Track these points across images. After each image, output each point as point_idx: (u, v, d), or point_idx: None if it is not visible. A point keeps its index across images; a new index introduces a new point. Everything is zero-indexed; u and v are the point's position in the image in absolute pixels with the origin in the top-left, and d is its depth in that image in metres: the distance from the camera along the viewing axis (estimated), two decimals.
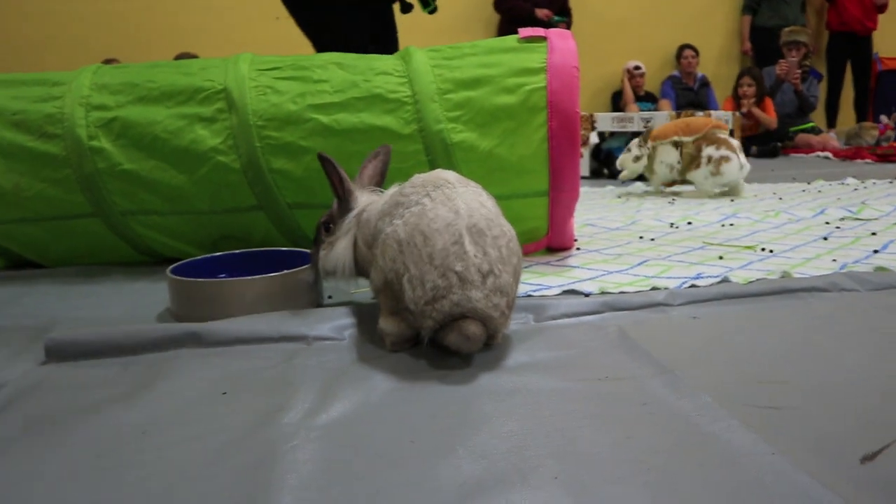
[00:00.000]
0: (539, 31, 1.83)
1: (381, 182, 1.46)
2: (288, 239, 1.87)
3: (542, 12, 6.45)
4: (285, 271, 1.42)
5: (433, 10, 2.80)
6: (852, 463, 0.80)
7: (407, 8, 2.77)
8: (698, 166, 3.23)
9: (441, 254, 1.08)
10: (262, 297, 1.38)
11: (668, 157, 3.33)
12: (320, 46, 2.77)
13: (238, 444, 0.88)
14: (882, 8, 7.30)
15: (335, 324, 1.31)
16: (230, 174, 1.75)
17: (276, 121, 1.73)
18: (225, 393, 1.05)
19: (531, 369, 1.10)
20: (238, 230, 1.85)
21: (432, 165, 1.71)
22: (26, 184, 1.79)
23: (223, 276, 1.57)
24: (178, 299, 1.44)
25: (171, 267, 1.48)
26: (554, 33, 1.82)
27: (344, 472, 0.80)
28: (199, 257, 1.62)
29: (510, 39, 1.85)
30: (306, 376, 1.09)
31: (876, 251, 1.89)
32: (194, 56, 5.82)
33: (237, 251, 1.66)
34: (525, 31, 1.84)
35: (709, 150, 3.21)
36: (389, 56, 1.88)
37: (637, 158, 3.46)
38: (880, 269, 1.68)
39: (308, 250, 1.55)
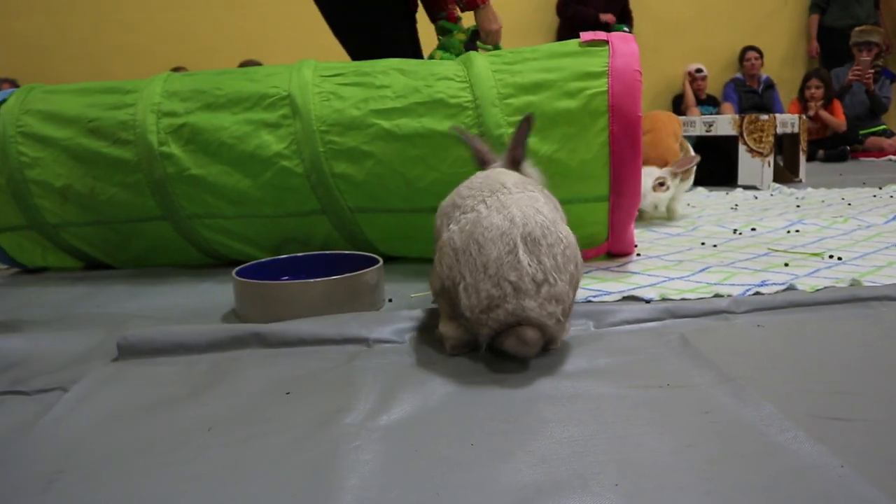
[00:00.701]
0: (601, 35, 1.82)
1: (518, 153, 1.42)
2: (349, 242, 1.90)
3: (606, 17, 6.39)
4: (347, 274, 1.45)
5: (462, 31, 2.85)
6: None
7: (445, 32, 2.79)
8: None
9: (495, 263, 1.08)
10: (323, 300, 1.40)
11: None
12: (359, 52, 2.74)
13: (301, 443, 0.90)
14: None
15: (395, 327, 1.32)
16: (293, 178, 1.79)
17: (339, 126, 1.76)
18: (288, 393, 1.07)
19: (591, 375, 1.10)
20: (300, 233, 1.88)
21: None
22: (101, 188, 1.87)
23: (286, 278, 1.60)
24: (242, 300, 1.47)
25: (236, 269, 1.53)
26: (616, 37, 1.81)
27: (404, 473, 0.82)
28: (263, 259, 1.66)
29: (572, 43, 1.84)
30: (367, 378, 1.11)
31: None
32: (259, 63, 5.95)
33: (300, 254, 1.69)
34: (587, 35, 1.83)
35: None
36: (451, 62, 1.90)
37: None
38: None
39: (369, 253, 1.58)
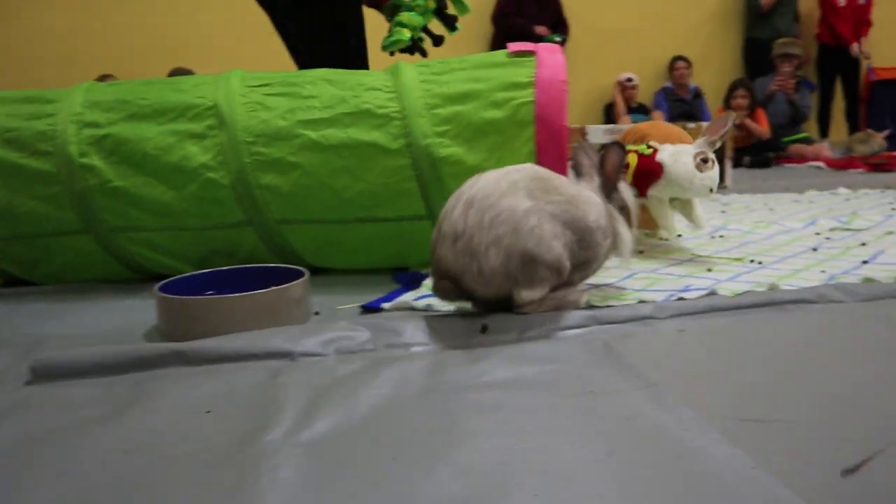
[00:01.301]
0: (528, 46, 1.84)
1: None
2: (275, 254, 1.87)
3: (540, 29, 6.48)
4: (272, 288, 1.42)
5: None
6: (834, 476, 0.80)
7: (439, 41, 2.71)
8: None
9: (440, 214, 1.35)
10: (248, 314, 1.38)
11: None
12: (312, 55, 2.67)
13: (220, 463, 0.88)
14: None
15: (321, 339, 1.30)
16: (219, 190, 1.75)
17: (265, 136, 1.74)
18: (209, 411, 1.05)
19: (516, 385, 1.10)
20: (226, 246, 1.85)
21: (419, 180, 1.72)
22: (18, 201, 1.79)
23: (211, 292, 1.57)
24: (165, 317, 1.44)
25: (159, 284, 1.49)
26: (542, 48, 1.84)
27: (325, 489, 0.80)
28: (187, 274, 1.62)
29: (499, 54, 1.86)
30: (290, 393, 1.09)
31: (865, 262, 1.89)
32: (189, 71, 5.84)
33: (225, 267, 1.66)
34: (514, 46, 1.85)
35: None
36: (379, 72, 1.90)
37: None
38: (868, 279, 1.68)
39: (297, 266, 1.57)
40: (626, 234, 1.53)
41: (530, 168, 1.41)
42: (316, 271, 1.90)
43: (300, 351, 1.27)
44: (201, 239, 1.83)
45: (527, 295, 1.35)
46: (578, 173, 1.56)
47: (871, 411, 0.98)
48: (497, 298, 1.38)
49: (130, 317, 1.61)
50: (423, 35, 2.37)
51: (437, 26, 2.41)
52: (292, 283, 1.46)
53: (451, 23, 2.41)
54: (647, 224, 2.30)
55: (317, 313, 1.56)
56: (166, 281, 1.52)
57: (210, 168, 1.74)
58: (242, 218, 1.79)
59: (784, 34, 7.23)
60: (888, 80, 7.89)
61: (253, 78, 1.85)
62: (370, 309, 1.57)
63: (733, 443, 0.88)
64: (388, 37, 2.26)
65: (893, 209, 2.90)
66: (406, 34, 2.24)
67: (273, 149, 1.73)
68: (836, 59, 7.50)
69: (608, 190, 1.53)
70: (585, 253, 1.43)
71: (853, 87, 7.58)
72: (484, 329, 1.35)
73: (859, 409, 0.98)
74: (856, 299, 1.54)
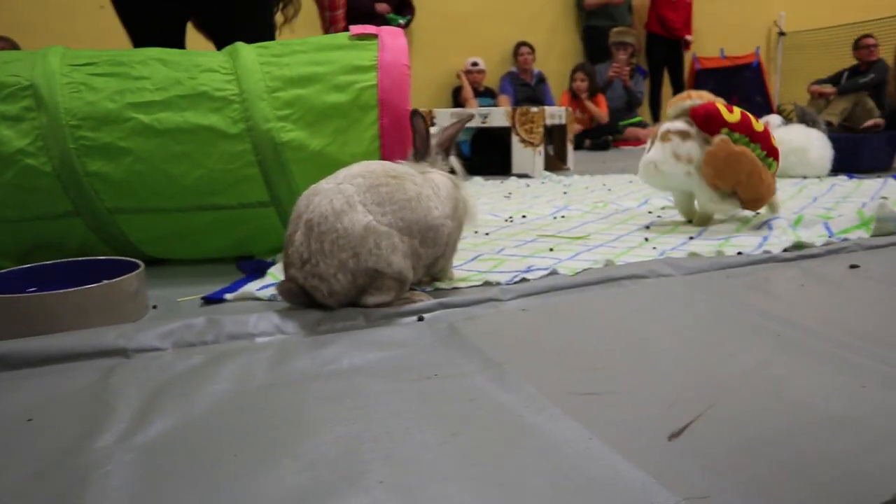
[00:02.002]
0: (370, 29, 1.82)
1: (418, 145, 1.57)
2: (109, 246, 1.75)
3: (380, 7, 6.44)
4: (103, 282, 1.34)
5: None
6: (661, 441, 0.86)
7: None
8: None
9: (287, 238, 1.35)
10: (76, 312, 1.28)
11: None
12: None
13: (43, 476, 0.81)
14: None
15: (157, 332, 1.24)
16: (41, 178, 1.62)
17: (91, 120, 1.62)
18: (31, 420, 0.97)
19: (361, 371, 1.10)
20: (52, 238, 1.71)
21: (262, 166, 1.66)
22: None
23: (33, 289, 1.45)
24: None
25: None
26: (385, 31, 1.82)
27: (160, 494, 0.76)
28: (7, 270, 1.49)
29: (341, 37, 1.83)
30: (124, 393, 1.03)
31: (692, 237, 2.03)
32: (14, 43, 5.36)
33: (51, 262, 1.53)
34: (356, 29, 1.83)
35: None
36: (216, 52, 1.81)
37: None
38: (693, 254, 1.81)
39: (132, 258, 1.48)
40: (472, 200, 1.57)
41: (366, 170, 1.39)
42: (153, 262, 1.81)
43: (135, 347, 1.20)
44: (22, 231, 1.68)
45: (373, 300, 1.37)
46: (415, 145, 1.56)
47: (695, 377, 1.05)
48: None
49: None
50: None
51: None
52: (126, 275, 1.37)
53: None
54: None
55: (154, 307, 1.48)
56: None
57: (28, 154, 1.60)
58: (70, 208, 1.67)
59: (620, 23, 7.62)
60: (711, 69, 8.53)
61: (75, 56, 1.72)
62: (212, 300, 1.51)
63: (572, 416, 0.92)
64: None
65: None
66: None
67: (101, 133, 1.62)
68: (664, 49, 7.98)
69: (445, 157, 1.58)
70: (433, 250, 1.45)
71: (679, 75, 8.11)
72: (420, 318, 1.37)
73: (685, 376, 1.05)
74: (683, 273, 1.66)
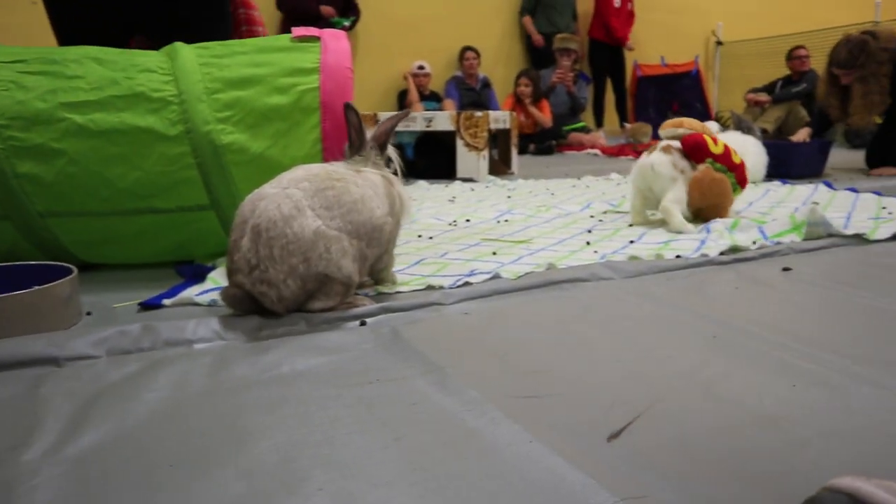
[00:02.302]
0: (312, 31, 1.81)
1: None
2: (40, 251, 1.69)
3: (325, 10, 6.40)
4: (35, 287, 1.29)
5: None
6: (601, 442, 0.87)
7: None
8: None
9: (232, 244, 1.33)
10: (6, 319, 1.23)
11: None
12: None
13: None
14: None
15: (91, 339, 1.20)
16: None
17: (21, 120, 1.57)
18: None
19: (302, 377, 1.09)
20: None
21: (201, 168, 1.63)
22: None
23: None
24: None
25: None
26: (328, 33, 1.81)
27: None
28: None
29: (282, 38, 1.81)
30: (54, 404, 1.00)
31: (632, 241, 2.07)
32: None
33: None
34: (298, 31, 1.81)
35: None
36: (154, 52, 1.77)
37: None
38: (633, 257, 1.84)
39: (64, 263, 1.44)
40: (406, 194, 1.57)
41: (310, 174, 1.37)
42: (88, 267, 1.76)
43: (67, 355, 1.16)
44: None
45: (319, 305, 1.36)
46: (350, 139, 1.55)
47: (634, 379, 1.07)
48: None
49: None
50: None
51: None
52: (58, 281, 1.33)
53: None
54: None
55: (89, 314, 1.44)
56: None
57: None
58: None
59: (563, 30, 7.72)
60: (652, 76, 8.72)
61: (4, 53, 1.66)
62: (150, 306, 1.48)
63: (513, 419, 0.92)
64: None
65: None
66: None
67: (32, 134, 1.57)
68: (607, 55, 8.11)
69: (381, 151, 1.57)
70: (377, 249, 1.45)
71: (621, 81, 8.26)
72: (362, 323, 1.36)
73: (625, 378, 1.07)
74: (623, 276, 1.69)
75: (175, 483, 0.79)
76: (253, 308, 1.34)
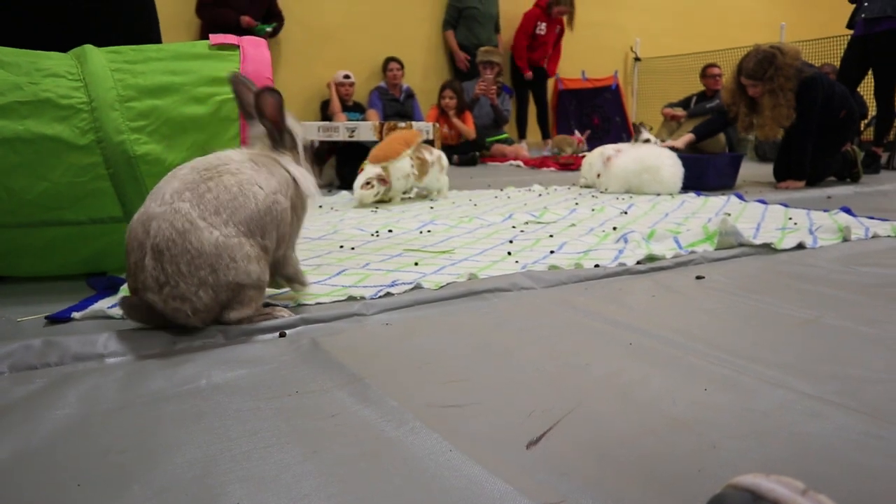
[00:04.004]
0: (231, 39, 1.78)
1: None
2: None
3: (245, 20, 6.29)
4: None
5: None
6: (520, 449, 0.88)
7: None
8: (428, 171, 3.59)
9: (133, 266, 1.29)
10: None
11: (404, 169, 3.44)
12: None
13: None
14: None
15: None
16: None
17: None
18: None
19: (219, 390, 1.06)
20: None
21: (114, 179, 1.58)
22: None
23: None
24: None
25: None
26: (247, 41, 1.79)
27: None
28: None
29: (200, 45, 1.77)
30: None
31: (552, 251, 2.11)
32: None
33: None
34: (216, 38, 1.77)
35: (430, 156, 3.63)
36: (61, 55, 1.70)
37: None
38: (553, 267, 1.87)
39: None
40: (297, 170, 1.51)
41: (186, 180, 1.32)
42: None
43: None
44: None
45: (235, 315, 1.34)
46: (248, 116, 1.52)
47: (553, 386, 1.09)
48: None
49: None
50: None
51: None
52: None
53: None
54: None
55: None
56: None
57: None
58: None
59: (485, 43, 7.81)
60: (573, 90, 8.92)
61: None
62: (58, 319, 1.42)
63: (432, 429, 0.93)
64: None
65: (577, 204, 3.26)
66: None
67: None
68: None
69: (278, 133, 1.51)
70: (274, 234, 1.40)
71: (543, 95, 8.42)
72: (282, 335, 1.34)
73: (544, 386, 1.09)
74: (543, 285, 1.71)
75: (83, 502, 0.76)
76: (154, 319, 1.31)
